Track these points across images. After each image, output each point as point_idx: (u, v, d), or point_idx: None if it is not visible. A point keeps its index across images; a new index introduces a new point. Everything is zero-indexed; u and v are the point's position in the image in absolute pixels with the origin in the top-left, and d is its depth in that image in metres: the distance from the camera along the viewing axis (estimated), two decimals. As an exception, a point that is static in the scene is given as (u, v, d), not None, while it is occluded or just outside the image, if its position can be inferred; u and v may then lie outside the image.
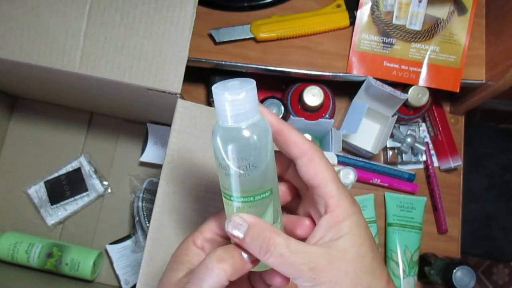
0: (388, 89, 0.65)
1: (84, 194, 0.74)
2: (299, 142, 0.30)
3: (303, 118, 0.66)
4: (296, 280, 0.28)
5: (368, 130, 0.74)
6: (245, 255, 0.30)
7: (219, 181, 0.31)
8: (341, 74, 0.65)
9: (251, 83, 0.28)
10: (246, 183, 0.29)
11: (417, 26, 0.64)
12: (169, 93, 0.49)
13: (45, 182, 0.74)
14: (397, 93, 0.65)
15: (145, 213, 0.69)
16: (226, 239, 0.33)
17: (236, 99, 0.28)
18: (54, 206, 0.74)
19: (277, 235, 0.28)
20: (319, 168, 0.30)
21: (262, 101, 0.69)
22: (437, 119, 0.75)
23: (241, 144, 0.28)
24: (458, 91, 0.66)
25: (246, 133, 0.28)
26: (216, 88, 0.28)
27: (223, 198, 0.32)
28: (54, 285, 0.68)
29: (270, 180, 0.31)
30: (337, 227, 0.29)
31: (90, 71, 0.49)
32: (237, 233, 0.29)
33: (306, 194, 0.33)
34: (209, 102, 0.74)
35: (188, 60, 0.49)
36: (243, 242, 0.29)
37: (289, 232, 0.32)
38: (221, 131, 0.29)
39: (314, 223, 0.32)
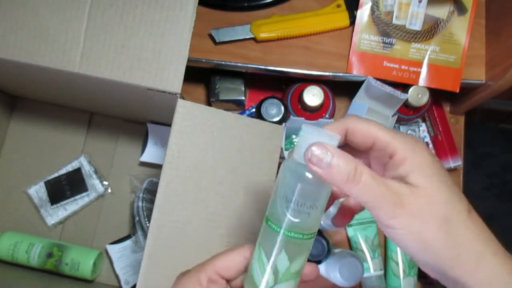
0: (388, 89, 0.65)
1: (84, 194, 0.74)
2: (335, 127, 0.32)
3: (303, 118, 0.66)
4: (377, 211, 0.29)
5: (368, 130, 0.74)
6: None
7: (270, 210, 0.32)
8: (341, 74, 0.65)
9: (335, 138, 0.30)
10: (303, 221, 0.31)
11: (417, 26, 0.64)
12: (169, 93, 0.49)
13: (45, 182, 0.74)
14: (397, 93, 0.65)
15: (145, 213, 0.69)
16: (228, 280, 0.34)
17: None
18: (54, 206, 0.74)
19: (364, 165, 0.29)
20: (365, 130, 0.31)
21: (262, 101, 0.69)
22: (437, 119, 0.75)
23: (311, 183, 0.30)
24: (458, 91, 0.66)
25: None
26: (307, 127, 0.30)
27: (267, 227, 0.32)
28: (54, 285, 0.68)
29: (318, 223, 0.32)
30: (403, 166, 0.30)
31: (90, 71, 0.49)
32: (323, 160, 0.28)
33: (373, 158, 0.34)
34: (209, 102, 0.74)
35: (188, 60, 0.49)
36: (329, 170, 0.28)
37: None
38: (297, 167, 0.30)
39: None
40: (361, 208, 0.36)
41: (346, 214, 0.37)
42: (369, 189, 0.28)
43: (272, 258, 0.31)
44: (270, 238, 0.31)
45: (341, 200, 0.37)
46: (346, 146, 0.33)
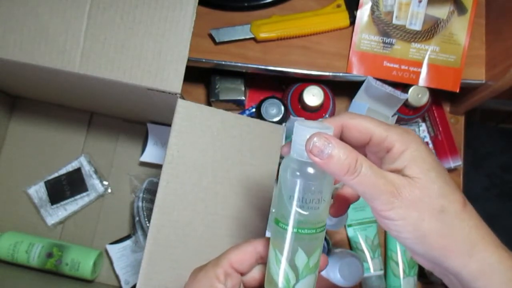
0: (388, 89, 0.65)
1: (84, 194, 0.74)
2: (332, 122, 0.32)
3: (303, 118, 0.66)
4: (374, 202, 0.29)
5: (368, 130, 0.74)
6: None
7: (277, 211, 0.32)
8: (341, 74, 0.65)
9: (329, 128, 0.30)
10: (313, 216, 0.31)
11: (417, 26, 0.64)
12: (169, 93, 0.49)
13: (45, 182, 0.74)
14: (397, 93, 0.65)
15: (145, 213, 0.69)
16: (241, 274, 0.34)
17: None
18: (54, 206, 0.74)
19: (363, 156, 0.29)
20: (360, 125, 0.32)
21: (262, 101, 0.69)
22: (437, 119, 0.75)
23: (314, 178, 0.30)
24: (458, 91, 0.66)
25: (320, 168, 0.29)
26: (299, 123, 0.30)
27: (278, 229, 0.32)
28: (54, 285, 0.68)
29: (327, 213, 0.32)
30: (400, 159, 0.30)
31: (90, 71, 0.49)
32: (324, 151, 0.28)
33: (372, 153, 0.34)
34: (209, 102, 0.74)
35: (188, 60, 0.49)
36: (330, 161, 0.28)
37: None
38: (295, 164, 0.30)
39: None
40: (356, 198, 0.37)
41: (342, 203, 0.37)
42: (368, 180, 0.28)
43: (290, 258, 0.31)
44: (283, 238, 0.31)
45: (337, 186, 0.38)
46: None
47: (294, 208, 0.30)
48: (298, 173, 0.30)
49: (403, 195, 0.29)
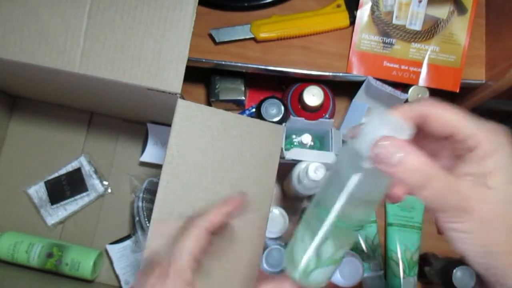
0: (388, 89, 0.65)
1: (84, 194, 0.74)
2: (414, 109, 0.29)
3: (303, 118, 0.66)
4: (441, 213, 0.27)
5: (368, 130, 0.74)
6: None
7: (323, 194, 0.31)
8: (341, 74, 0.65)
9: (406, 131, 0.27)
10: (357, 213, 0.30)
11: (417, 26, 0.64)
12: (169, 93, 0.49)
13: (45, 182, 0.74)
14: (397, 93, 0.65)
15: (145, 213, 0.69)
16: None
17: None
18: (54, 206, 0.74)
19: (437, 168, 0.26)
20: (444, 118, 0.28)
21: (262, 101, 0.69)
22: (437, 119, 0.75)
23: (371, 178, 0.28)
24: (458, 91, 0.66)
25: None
26: (377, 116, 0.27)
27: (317, 212, 0.30)
28: (54, 285, 0.68)
29: (370, 215, 0.32)
30: (482, 164, 0.27)
31: (90, 71, 0.49)
32: (392, 159, 0.25)
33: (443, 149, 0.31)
34: (209, 102, 0.74)
35: (188, 60, 0.49)
36: (398, 170, 0.26)
37: None
38: (357, 156, 0.28)
39: None
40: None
41: (394, 200, 0.34)
42: (439, 195, 0.26)
43: (318, 244, 0.30)
44: (318, 223, 0.30)
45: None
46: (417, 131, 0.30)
47: (342, 200, 0.28)
48: (357, 167, 0.28)
49: (476, 210, 0.26)
